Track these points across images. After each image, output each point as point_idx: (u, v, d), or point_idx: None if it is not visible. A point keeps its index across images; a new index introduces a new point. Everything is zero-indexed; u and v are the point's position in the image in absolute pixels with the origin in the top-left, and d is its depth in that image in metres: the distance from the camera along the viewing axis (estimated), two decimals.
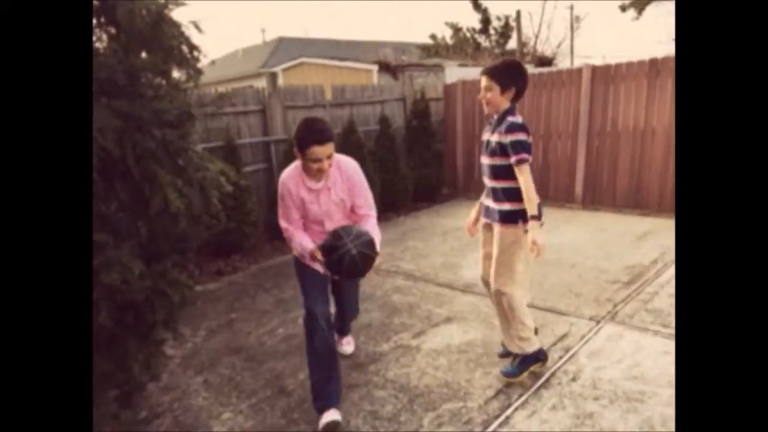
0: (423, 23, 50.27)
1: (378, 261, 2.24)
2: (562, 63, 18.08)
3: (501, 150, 2.34)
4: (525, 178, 2.29)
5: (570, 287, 3.77)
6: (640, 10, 22.67)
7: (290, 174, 2.32)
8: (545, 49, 18.57)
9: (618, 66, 6.03)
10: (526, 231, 2.36)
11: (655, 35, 37.35)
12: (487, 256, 2.63)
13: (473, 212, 2.71)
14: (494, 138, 2.38)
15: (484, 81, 2.37)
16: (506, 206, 2.41)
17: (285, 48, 17.43)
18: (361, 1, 51.30)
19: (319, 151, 2.13)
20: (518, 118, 2.34)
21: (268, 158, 5.81)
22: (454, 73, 9.18)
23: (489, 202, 2.53)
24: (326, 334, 2.30)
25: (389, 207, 6.45)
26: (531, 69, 12.03)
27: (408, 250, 5.06)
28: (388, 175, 6.44)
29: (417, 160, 7.05)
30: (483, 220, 2.62)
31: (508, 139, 2.30)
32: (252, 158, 5.67)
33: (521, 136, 2.29)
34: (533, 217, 2.27)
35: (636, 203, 5.96)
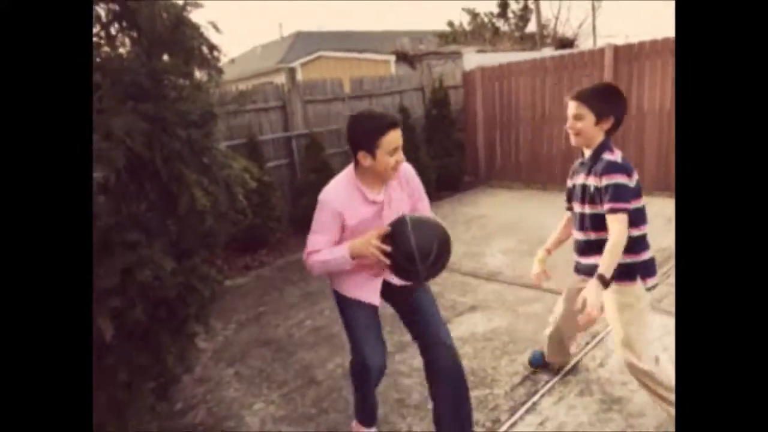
0: (440, 10, 49.62)
1: None
2: (585, 44, 17.64)
3: (601, 196, 1.95)
4: (619, 230, 1.84)
5: None
6: None
7: (339, 189, 1.83)
8: (566, 30, 18.13)
9: (642, 44, 5.87)
10: (648, 289, 1.98)
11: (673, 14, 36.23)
12: (569, 322, 2.27)
13: (538, 263, 2.30)
14: (591, 182, 1.98)
15: (573, 108, 1.99)
16: (621, 260, 1.93)
17: (302, 42, 17.49)
18: None
19: (397, 136, 1.75)
20: (617, 156, 1.95)
21: (290, 153, 5.88)
22: (473, 59, 9.06)
23: (593, 259, 2.03)
24: (375, 391, 2.07)
25: None
26: (551, 51, 11.79)
27: None
28: (409, 164, 6.43)
29: (438, 149, 7.02)
30: (580, 283, 2.15)
31: (603, 182, 1.91)
32: (274, 154, 5.75)
33: (620, 179, 1.88)
34: (601, 277, 1.81)
35: (666, 185, 5.82)
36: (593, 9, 18.97)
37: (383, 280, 1.95)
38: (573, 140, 2.05)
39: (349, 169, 1.88)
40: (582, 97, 1.98)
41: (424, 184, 2.07)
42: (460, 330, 3.12)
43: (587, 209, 2.03)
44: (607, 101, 1.97)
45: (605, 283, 1.80)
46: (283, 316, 3.66)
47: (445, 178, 7.04)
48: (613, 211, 1.87)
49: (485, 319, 3.24)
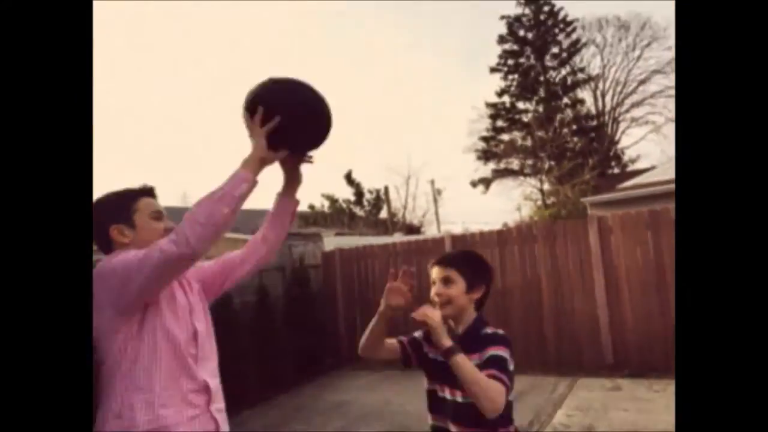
0: (301, 193, 53.79)
1: None
2: (430, 229, 20.18)
3: (483, 366, 1.53)
4: (497, 390, 1.42)
5: None
6: (487, 186, 27.07)
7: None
8: (413, 218, 20.75)
9: (473, 235, 6.90)
10: None
11: (500, 205, 46.15)
12: None
13: None
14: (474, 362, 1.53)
15: (438, 271, 1.68)
16: None
17: None
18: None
19: (156, 202, 1.56)
20: (498, 329, 1.61)
21: None
22: (332, 241, 9.63)
23: None
24: None
25: (268, 384, 5.93)
26: (400, 237, 13.15)
27: None
28: (268, 348, 6.08)
29: (299, 330, 6.83)
30: None
31: (487, 353, 1.52)
32: None
33: (505, 352, 1.52)
34: (453, 349, 1.48)
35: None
36: (435, 201, 22.29)
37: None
38: (441, 310, 1.62)
39: None
40: (450, 262, 1.68)
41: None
42: None
43: (460, 397, 1.56)
44: (478, 269, 1.70)
45: (449, 351, 1.46)
46: None
47: (306, 361, 6.72)
48: (496, 377, 1.45)
49: None
